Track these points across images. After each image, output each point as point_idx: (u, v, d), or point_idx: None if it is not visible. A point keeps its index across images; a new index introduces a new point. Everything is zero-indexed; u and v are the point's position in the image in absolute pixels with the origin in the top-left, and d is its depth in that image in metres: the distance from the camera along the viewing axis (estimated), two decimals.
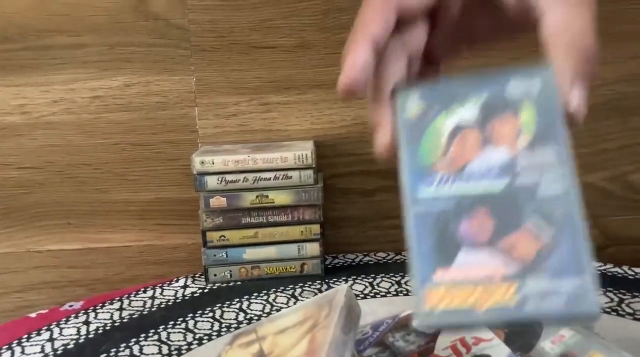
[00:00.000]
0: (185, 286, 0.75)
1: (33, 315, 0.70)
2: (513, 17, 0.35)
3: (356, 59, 0.34)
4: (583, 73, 0.31)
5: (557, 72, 0.32)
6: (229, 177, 0.73)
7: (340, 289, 0.44)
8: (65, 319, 0.68)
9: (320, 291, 0.71)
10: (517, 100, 0.33)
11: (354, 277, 0.75)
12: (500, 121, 0.33)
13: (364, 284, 0.72)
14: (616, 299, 0.65)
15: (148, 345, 0.61)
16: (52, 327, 0.66)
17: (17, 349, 0.62)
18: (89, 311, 0.70)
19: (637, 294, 0.65)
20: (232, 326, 0.64)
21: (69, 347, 0.62)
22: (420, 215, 0.32)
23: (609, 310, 0.62)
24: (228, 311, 0.68)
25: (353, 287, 0.71)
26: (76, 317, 0.68)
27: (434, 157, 0.33)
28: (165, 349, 0.60)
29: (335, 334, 0.38)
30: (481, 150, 0.33)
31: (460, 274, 0.31)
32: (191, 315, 0.67)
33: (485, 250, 0.31)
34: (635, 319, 0.60)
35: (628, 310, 0.62)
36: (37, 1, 0.78)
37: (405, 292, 0.70)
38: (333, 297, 0.44)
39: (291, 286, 0.73)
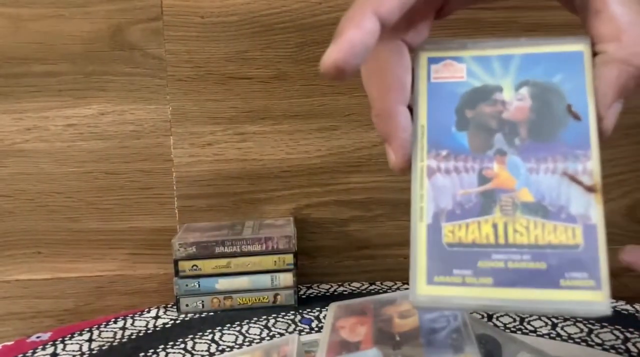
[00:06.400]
0: (156, 317, 0.74)
1: None
2: None
3: (357, 32, 0.28)
4: (626, 92, 0.30)
5: (600, 87, 0.29)
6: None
7: (292, 339, 0.45)
8: (32, 351, 0.66)
9: (293, 321, 0.71)
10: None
11: (328, 307, 0.74)
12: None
13: None
14: (586, 329, 0.66)
15: None
16: None
17: None
18: (57, 342, 0.68)
19: (605, 324, 0.66)
20: None
21: None
22: None
23: (578, 340, 0.63)
24: (200, 342, 0.67)
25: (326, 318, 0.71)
26: (43, 349, 0.67)
27: None
28: None
29: None
30: None
31: None
32: (162, 346, 0.66)
33: None
34: (603, 349, 0.61)
35: (597, 340, 0.63)
36: (12, 29, 0.78)
37: None
38: (284, 344, 0.44)
39: (264, 317, 0.72)
